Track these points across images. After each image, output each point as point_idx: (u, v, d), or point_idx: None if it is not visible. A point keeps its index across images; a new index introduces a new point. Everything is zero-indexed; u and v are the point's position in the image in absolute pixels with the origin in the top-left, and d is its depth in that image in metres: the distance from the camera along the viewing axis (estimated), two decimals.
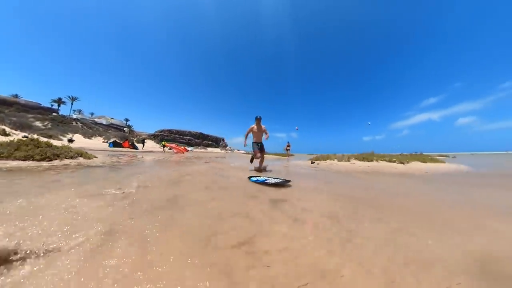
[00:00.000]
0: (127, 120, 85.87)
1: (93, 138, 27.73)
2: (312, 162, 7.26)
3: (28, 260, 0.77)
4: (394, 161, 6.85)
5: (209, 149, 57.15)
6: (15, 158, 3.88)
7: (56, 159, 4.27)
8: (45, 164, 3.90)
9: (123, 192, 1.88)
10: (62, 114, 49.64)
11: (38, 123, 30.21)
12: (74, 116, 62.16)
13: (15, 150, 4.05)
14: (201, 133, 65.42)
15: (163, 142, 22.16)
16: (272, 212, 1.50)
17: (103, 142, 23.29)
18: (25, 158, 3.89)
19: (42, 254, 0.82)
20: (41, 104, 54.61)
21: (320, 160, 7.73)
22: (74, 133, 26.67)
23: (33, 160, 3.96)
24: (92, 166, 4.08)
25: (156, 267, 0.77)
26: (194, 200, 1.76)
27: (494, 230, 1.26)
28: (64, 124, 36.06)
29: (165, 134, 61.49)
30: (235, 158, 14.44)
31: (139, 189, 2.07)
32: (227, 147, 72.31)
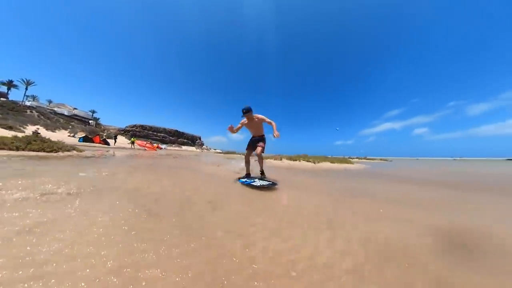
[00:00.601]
0: (93, 111, 79.06)
1: (57, 131, 26.47)
2: (255, 160, 9.97)
3: (115, 175, 3.06)
4: (310, 161, 9.97)
5: (184, 147, 57.08)
6: (30, 150, 5.56)
7: (59, 151, 6.00)
8: (54, 154, 5.66)
9: (129, 165, 4.12)
10: (12, 100, 44.18)
11: None
12: (28, 103, 55.42)
13: (28, 144, 5.69)
14: (177, 131, 64.68)
15: (132, 139, 22.64)
16: (188, 171, 3.95)
17: (69, 136, 22.76)
18: (38, 150, 5.59)
19: (117, 175, 3.11)
20: None
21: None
22: (35, 124, 25.18)
23: (43, 151, 5.68)
24: (89, 157, 5.97)
25: (147, 178, 3.14)
26: (160, 168, 4.11)
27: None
28: (16, 112, 32.84)
29: (137, 129, 59.13)
30: (207, 156, 16.57)
31: (135, 165, 4.30)
32: (203, 146, 72.31)
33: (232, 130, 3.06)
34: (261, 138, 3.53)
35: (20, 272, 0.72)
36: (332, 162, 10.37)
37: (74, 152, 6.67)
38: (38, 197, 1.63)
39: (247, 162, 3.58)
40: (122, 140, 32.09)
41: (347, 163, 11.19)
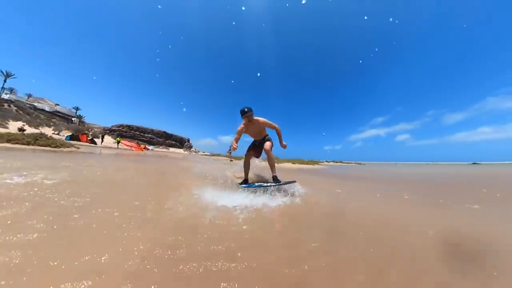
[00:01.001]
0: (77, 108, 76.77)
1: (40, 128, 26.44)
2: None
3: (119, 162, 4.67)
4: (274, 162, 11.89)
5: (172, 149, 57.30)
6: (39, 145, 6.88)
7: (61, 147, 7.34)
8: (57, 150, 7.02)
9: (126, 159, 5.70)
10: None
11: None
12: (6, 97, 53.22)
13: (36, 140, 7.01)
14: (165, 132, 64.75)
15: (117, 138, 22.23)
16: (168, 163, 5.61)
17: (54, 133, 23.05)
18: (45, 145, 6.93)
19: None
20: None
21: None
22: (16, 120, 25.09)
23: (49, 147, 7.01)
24: (85, 152, 7.38)
25: (140, 165, 4.79)
26: (149, 161, 5.73)
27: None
28: None
29: (123, 129, 58.47)
30: (192, 157, 18.03)
31: (129, 159, 5.87)
32: (191, 149, 72.45)
33: (234, 148, 2.47)
34: (266, 139, 2.95)
35: (94, 179, 2.44)
36: (293, 163, 12.44)
37: (73, 148, 7.99)
38: (85, 167, 3.29)
39: (246, 166, 2.89)
40: (108, 140, 32.36)
41: (309, 164, 13.29)
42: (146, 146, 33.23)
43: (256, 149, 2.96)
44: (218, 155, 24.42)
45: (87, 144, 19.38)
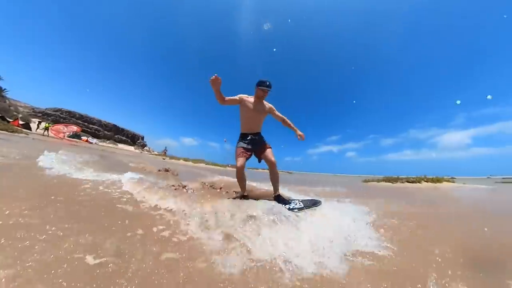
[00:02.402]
0: None
1: None
2: (164, 159, 15.15)
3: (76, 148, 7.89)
4: (208, 164, 15.92)
5: (120, 145, 54.56)
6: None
7: (15, 133, 9.58)
8: (15, 134, 9.31)
9: (73, 145, 8.79)
10: None
11: None
12: None
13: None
14: (115, 125, 60.99)
15: (46, 124, 18.59)
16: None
17: None
18: (2, 129, 9.16)
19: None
20: None
21: (191, 162, 15.81)
22: None
23: (7, 131, 9.24)
24: (42, 140, 9.84)
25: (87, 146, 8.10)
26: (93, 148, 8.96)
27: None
28: None
29: (62, 115, 52.82)
30: (137, 155, 20.20)
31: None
32: (145, 147, 70.01)
33: (216, 84, 1.95)
34: (262, 139, 2.38)
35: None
36: (220, 166, 16.75)
37: (23, 134, 10.20)
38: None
39: (241, 179, 2.28)
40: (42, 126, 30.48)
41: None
42: (89, 139, 31.52)
43: (247, 152, 2.26)
44: (163, 154, 26.55)
45: (20, 129, 19.22)
